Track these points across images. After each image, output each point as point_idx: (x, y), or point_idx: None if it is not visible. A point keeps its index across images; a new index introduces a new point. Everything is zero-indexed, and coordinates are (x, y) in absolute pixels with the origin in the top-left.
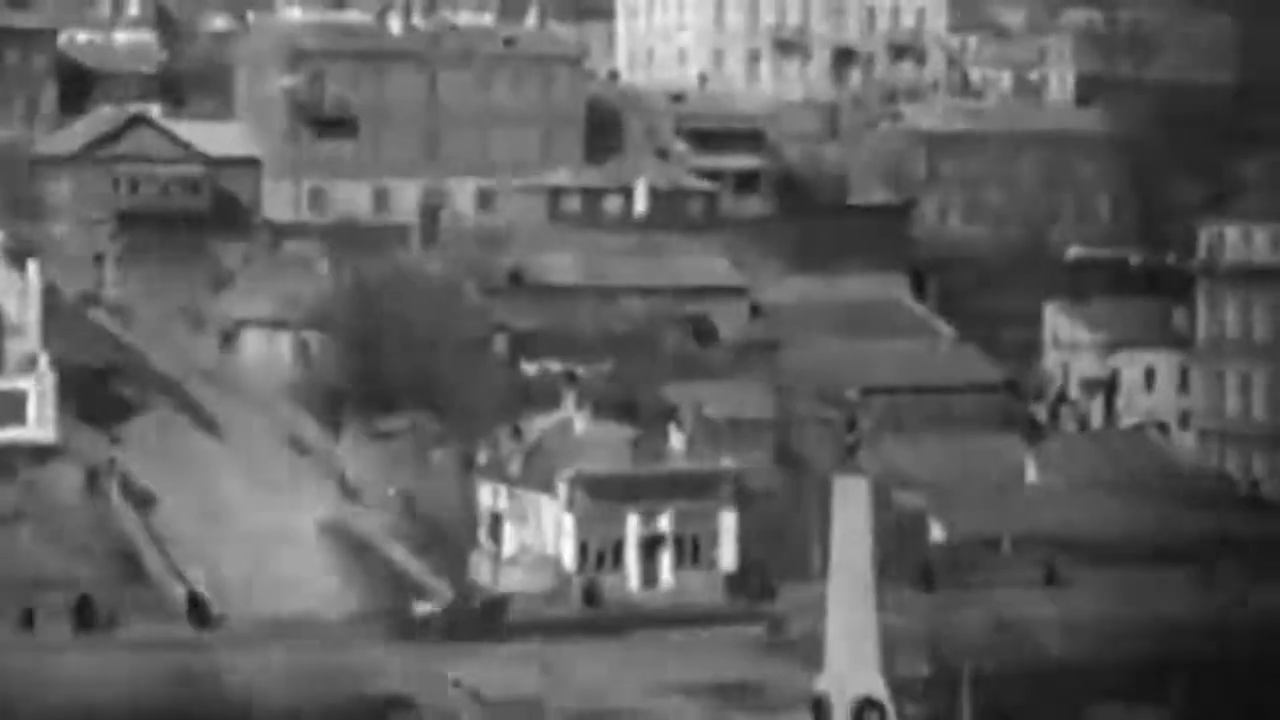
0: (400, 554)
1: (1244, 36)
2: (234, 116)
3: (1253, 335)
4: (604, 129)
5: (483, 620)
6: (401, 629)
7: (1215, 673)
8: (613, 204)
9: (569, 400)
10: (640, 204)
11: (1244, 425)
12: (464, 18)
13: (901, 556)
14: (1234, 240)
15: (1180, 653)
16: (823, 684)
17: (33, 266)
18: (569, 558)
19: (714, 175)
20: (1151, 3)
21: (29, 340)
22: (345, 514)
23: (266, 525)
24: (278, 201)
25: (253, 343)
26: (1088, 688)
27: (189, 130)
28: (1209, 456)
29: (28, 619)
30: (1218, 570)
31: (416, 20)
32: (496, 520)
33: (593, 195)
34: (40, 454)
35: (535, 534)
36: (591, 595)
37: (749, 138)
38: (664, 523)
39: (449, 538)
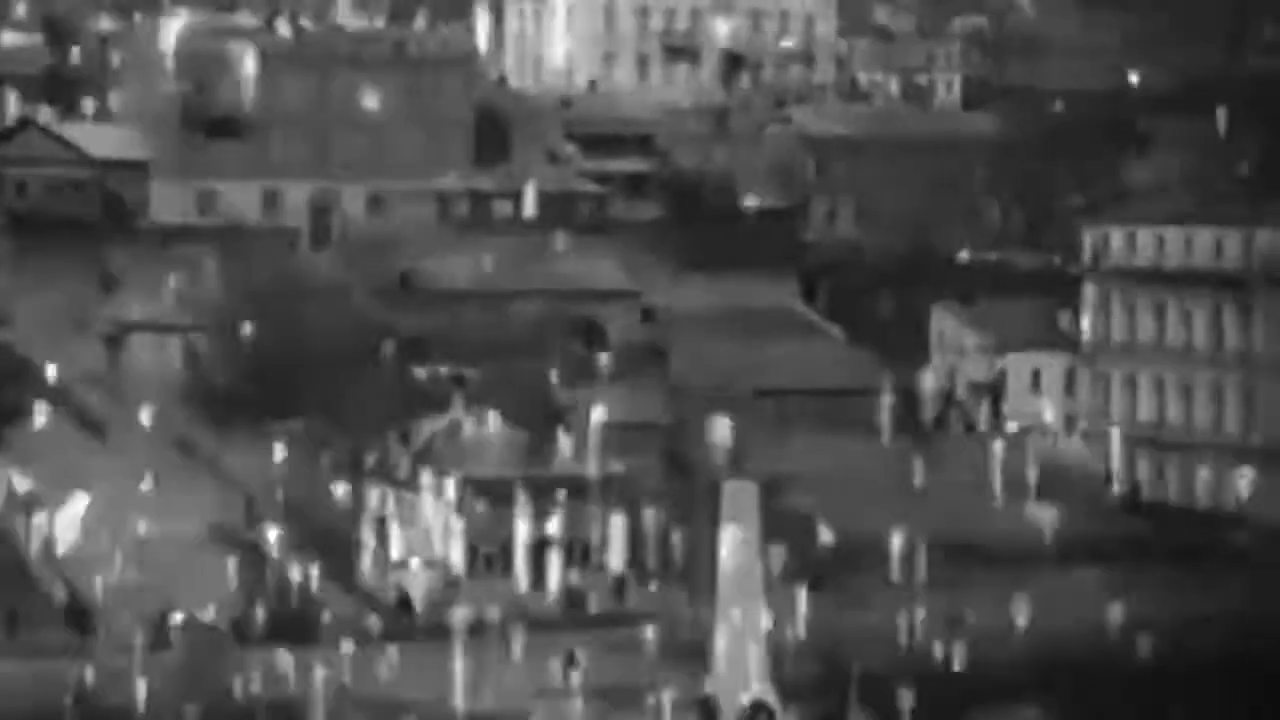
0: (287, 557)
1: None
2: (122, 119)
3: (1137, 337)
4: (493, 132)
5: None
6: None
7: (1100, 673)
8: (502, 207)
9: (458, 403)
10: (530, 207)
11: (1128, 427)
12: (353, 20)
13: (791, 559)
14: (1119, 243)
15: (1066, 655)
16: (711, 686)
17: None
18: (457, 561)
19: (603, 179)
20: (1039, 8)
21: None
22: (233, 518)
23: (154, 529)
24: (166, 204)
25: (140, 346)
26: (974, 689)
27: (77, 133)
28: (1094, 459)
29: None
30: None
31: (305, 23)
32: (384, 524)
33: (482, 199)
34: None
35: (424, 537)
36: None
37: (638, 141)
38: (553, 526)
39: (337, 541)
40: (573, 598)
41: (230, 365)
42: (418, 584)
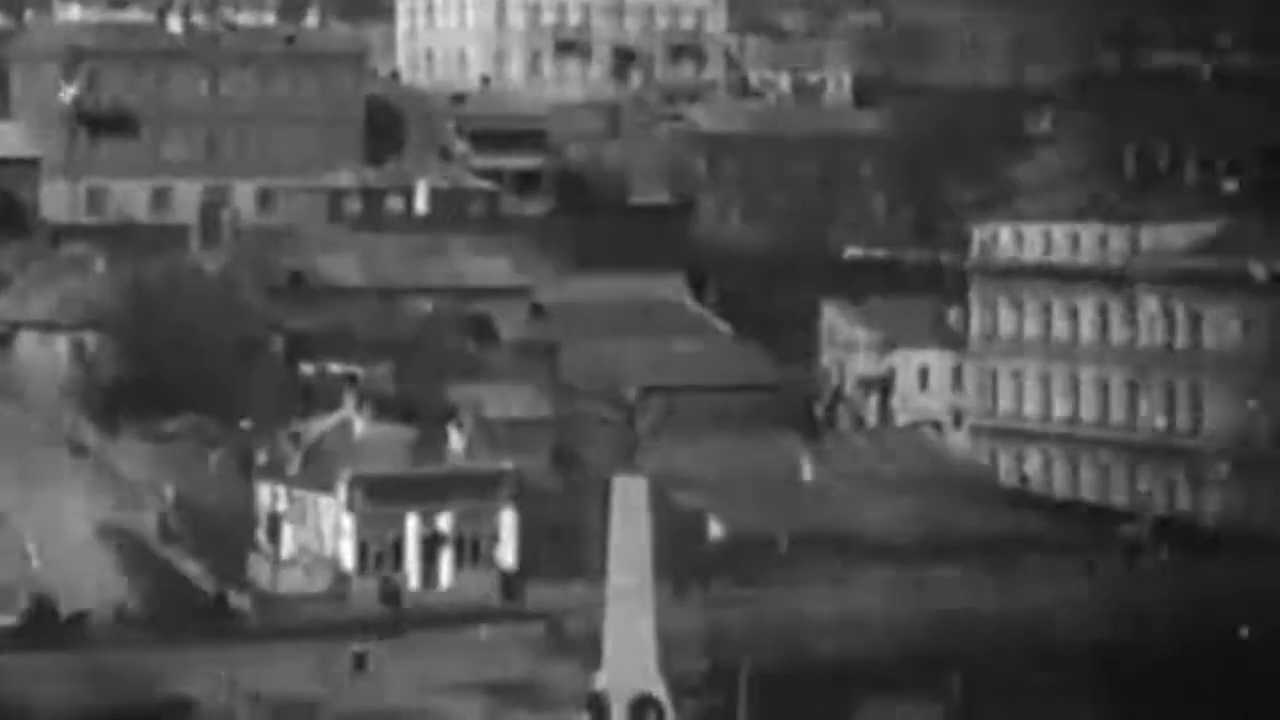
0: (178, 555)
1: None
2: (11, 116)
3: (1024, 334)
4: (385, 129)
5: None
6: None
7: (990, 666)
8: (393, 204)
9: (348, 401)
10: (421, 204)
11: (1016, 423)
12: (244, 17)
13: (680, 554)
14: (1006, 240)
15: (956, 647)
16: (601, 682)
17: None
18: (348, 558)
19: (495, 175)
20: (929, 6)
21: None
22: (123, 516)
23: (43, 527)
24: (56, 202)
25: (29, 345)
26: (865, 682)
27: None
28: (981, 454)
29: None
30: (993, 565)
31: (197, 19)
32: (275, 521)
33: (373, 195)
34: None
35: (314, 535)
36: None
37: (530, 138)
38: (444, 523)
39: (227, 539)
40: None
41: (120, 363)
42: (308, 581)
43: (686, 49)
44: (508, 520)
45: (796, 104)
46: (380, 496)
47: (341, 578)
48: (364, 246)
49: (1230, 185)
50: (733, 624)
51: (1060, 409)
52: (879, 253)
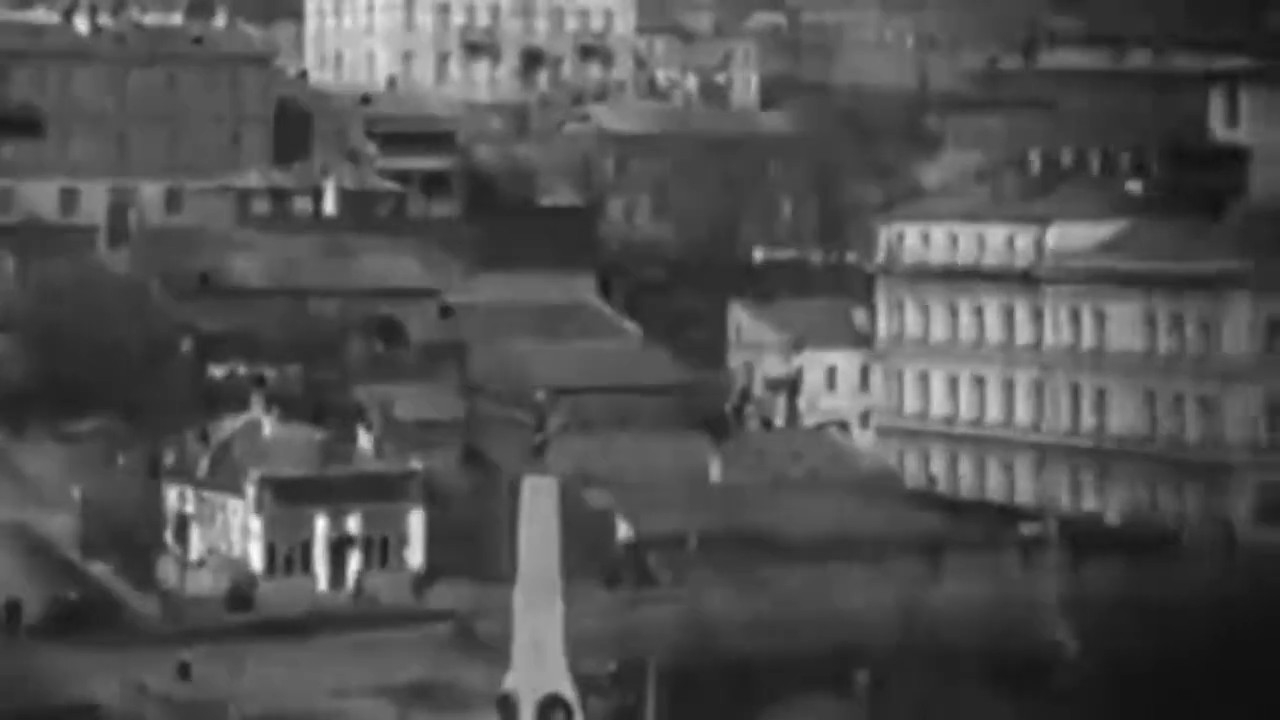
0: (85, 557)
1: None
2: None
3: (931, 334)
4: (293, 130)
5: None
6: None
7: (898, 662)
8: (302, 205)
9: (257, 402)
10: (329, 205)
11: (922, 423)
12: (152, 17)
13: (589, 555)
14: (913, 241)
15: (862, 645)
16: (510, 683)
17: None
18: (256, 560)
19: (403, 176)
20: (835, 6)
21: None
22: (28, 516)
23: None
24: None
25: None
26: (773, 681)
27: None
28: (888, 454)
29: None
30: (898, 564)
31: (104, 19)
32: (183, 523)
33: (281, 196)
34: None
35: (222, 536)
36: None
37: (438, 139)
38: (352, 524)
39: (135, 540)
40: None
41: (27, 364)
42: (216, 584)
43: (594, 50)
44: (416, 521)
45: (704, 104)
46: (289, 498)
47: (249, 579)
48: (272, 248)
49: (1135, 185)
50: (641, 623)
51: (966, 409)
52: (786, 253)
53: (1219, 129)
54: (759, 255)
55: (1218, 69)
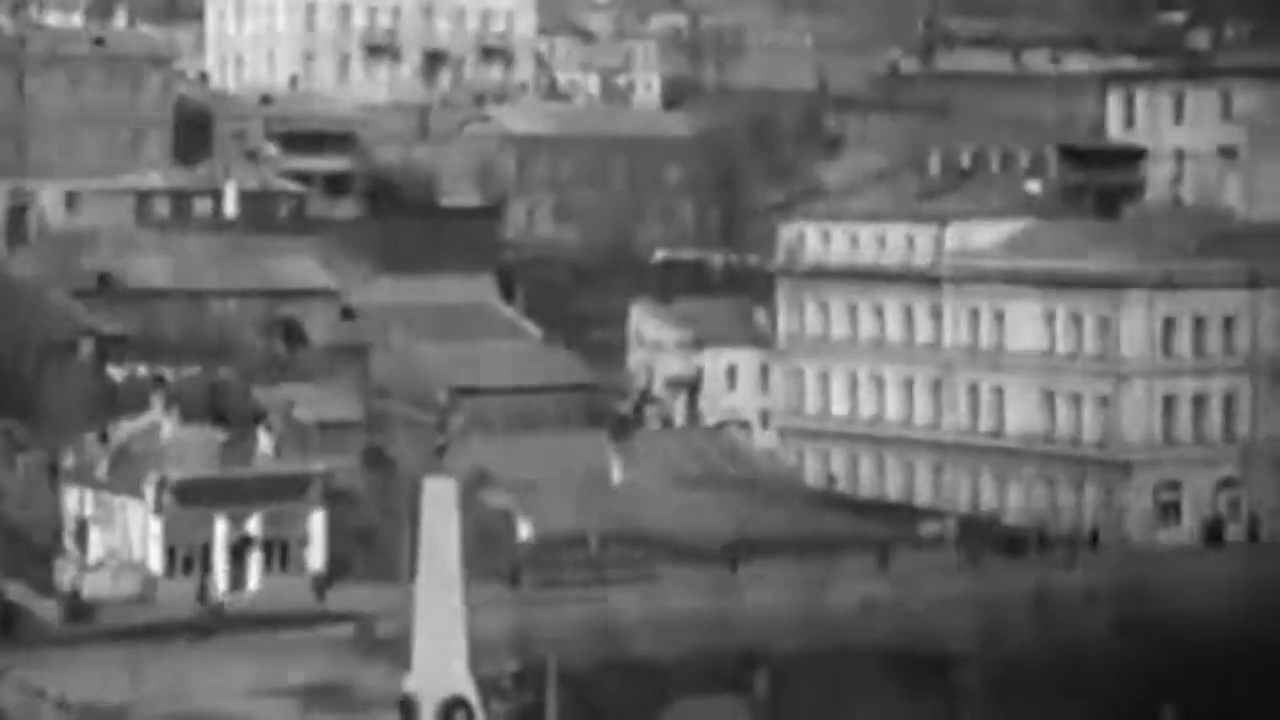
0: None
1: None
2: None
3: (831, 334)
4: (194, 131)
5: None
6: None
7: (797, 664)
8: (202, 206)
9: (157, 403)
10: (230, 206)
11: (822, 422)
12: (52, 18)
13: (490, 555)
14: (813, 240)
15: (762, 645)
16: (411, 684)
17: None
18: (156, 562)
19: (304, 177)
20: (736, 9)
21: None
22: None
23: None
24: None
25: None
26: (675, 681)
27: None
28: (788, 453)
29: None
30: (798, 564)
31: (2, 19)
32: (83, 525)
33: (182, 198)
34: None
35: (122, 539)
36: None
37: (339, 140)
38: (253, 526)
39: (34, 543)
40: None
41: None
42: (116, 586)
43: (496, 51)
44: (317, 522)
45: (605, 106)
46: (189, 499)
47: (150, 581)
48: (172, 249)
49: (1033, 186)
50: (542, 624)
51: (866, 408)
52: (687, 254)
53: (1116, 130)
54: (661, 255)
55: (1114, 70)
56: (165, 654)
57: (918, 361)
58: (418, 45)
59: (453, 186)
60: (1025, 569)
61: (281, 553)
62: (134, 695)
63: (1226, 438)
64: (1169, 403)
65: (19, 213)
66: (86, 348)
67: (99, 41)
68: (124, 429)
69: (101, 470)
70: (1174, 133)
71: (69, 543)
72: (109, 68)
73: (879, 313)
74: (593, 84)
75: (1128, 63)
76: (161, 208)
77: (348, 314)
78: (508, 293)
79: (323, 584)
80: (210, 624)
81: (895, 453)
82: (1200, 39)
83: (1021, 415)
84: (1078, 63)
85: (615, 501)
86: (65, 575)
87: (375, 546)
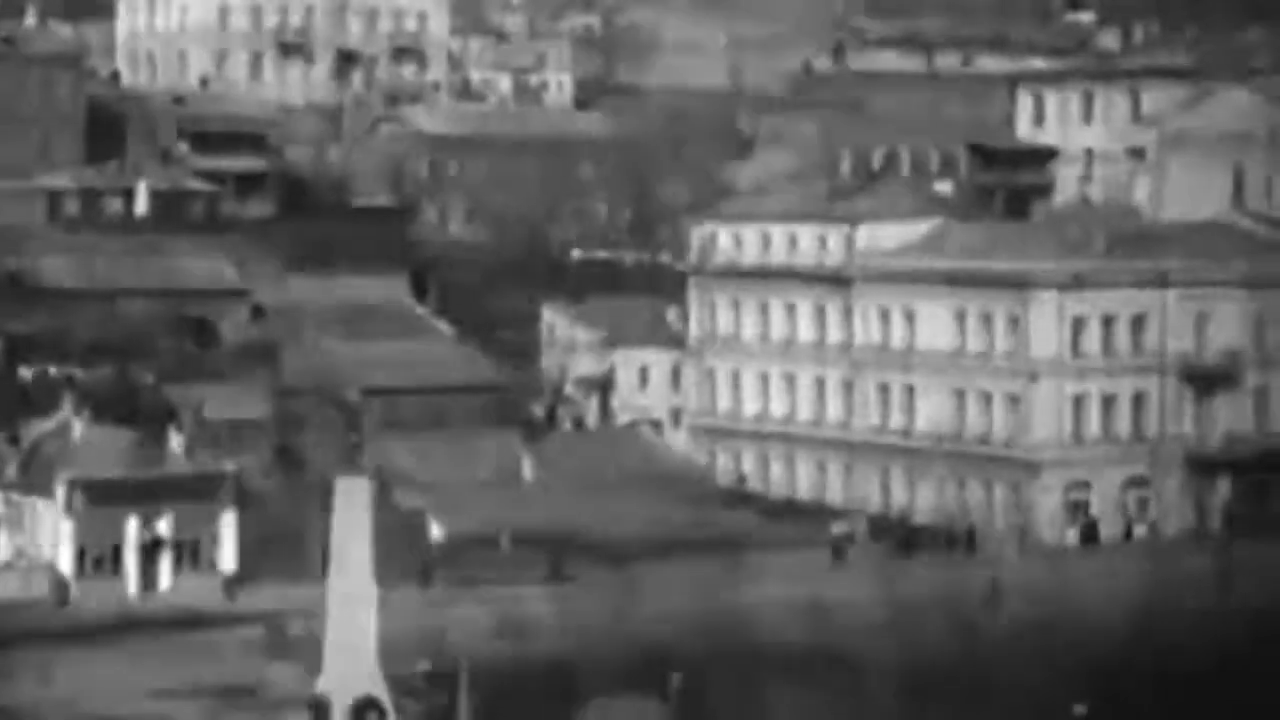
0: None
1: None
2: None
3: (742, 334)
4: (105, 130)
5: None
6: None
7: (711, 665)
8: (113, 206)
9: (67, 403)
10: (141, 206)
11: (733, 422)
12: None
13: (402, 555)
14: (725, 241)
15: (675, 645)
16: (322, 684)
17: None
18: (66, 563)
19: (216, 177)
20: (649, 8)
21: None
22: None
23: None
24: None
25: None
26: (588, 682)
27: None
28: (699, 453)
29: None
30: (710, 563)
31: None
32: None
33: (93, 197)
34: None
35: (32, 540)
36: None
37: (251, 139)
38: (164, 526)
39: None
40: None
41: None
42: (25, 587)
43: (409, 51)
44: (228, 522)
45: (518, 106)
46: (99, 499)
47: (60, 583)
48: (83, 248)
49: (944, 186)
50: (454, 624)
51: (778, 408)
52: (599, 253)
53: (1025, 130)
54: (573, 256)
55: (1024, 71)
56: (75, 656)
57: (829, 361)
58: (330, 45)
59: (365, 186)
60: (933, 567)
61: (193, 553)
62: (43, 697)
63: (1135, 437)
64: (1078, 402)
65: None
66: None
67: (8, 40)
68: (34, 429)
69: (11, 470)
70: (1083, 133)
71: None
72: (19, 67)
73: (790, 312)
74: (505, 84)
75: (1037, 63)
76: (72, 207)
77: (259, 313)
78: (420, 292)
79: (234, 584)
80: (121, 625)
81: (806, 452)
82: (1109, 40)
83: (932, 414)
84: (988, 63)
85: (527, 501)
86: None
87: (286, 546)
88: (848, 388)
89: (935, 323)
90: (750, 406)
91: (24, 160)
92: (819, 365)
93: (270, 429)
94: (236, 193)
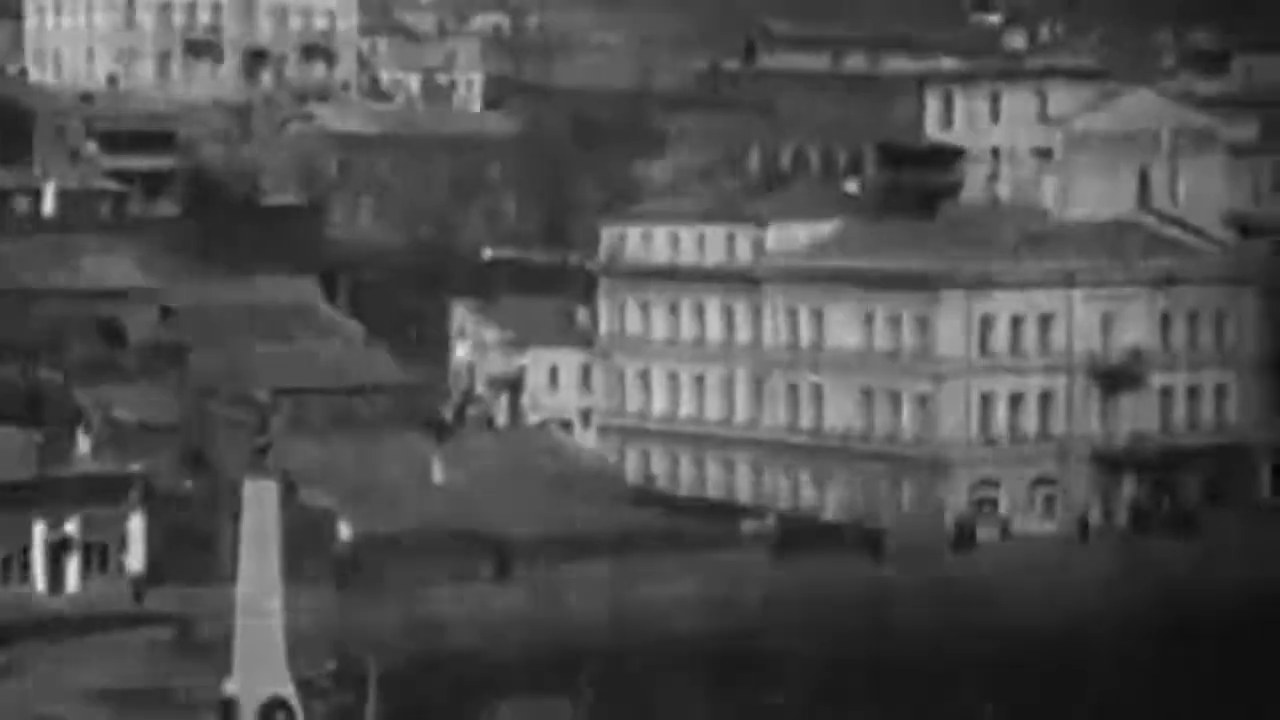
0: None
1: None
2: None
3: (652, 333)
4: (12, 129)
5: None
6: None
7: (621, 664)
8: (20, 205)
9: None
10: (49, 205)
11: (643, 421)
12: None
13: (311, 556)
14: (634, 241)
15: (584, 645)
16: (231, 686)
17: None
18: None
19: (125, 176)
20: (558, 8)
21: None
22: None
23: None
24: None
25: None
26: (495, 681)
27: None
28: (609, 452)
29: None
30: (619, 563)
31: None
32: None
33: (0, 196)
34: None
35: None
36: None
37: (160, 138)
38: (71, 527)
39: None
40: None
41: None
42: None
43: (318, 49)
44: (136, 524)
45: (427, 105)
46: (6, 501)
47: None
48: None
49: (852, 185)
50: (363, 624)
51: (687, 407)
52: (509, 253)
53: (933, 130)
54: (483, 255)
55: (932, 71)
56: None
57: (738, 361)
58: (239, 43)
59: (274, 185)
60: (842, 566)
61: (101, 555)
62: None
63: (1042, 436)
64: (986, 401)
65: None
66: None
67: None
68: None
69: None
70: (990, 133)
71: None
72: None
73: (699, 312)
74: (414, 83)
75: (945, 64)
76: None
77: (168, 314)
78: (330, 292)
79: (142, 586)
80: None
81: (715, 451)
82: (1016, 40)
83: (840, 414)
84: (896, 63)
85: (436, 501)
86: None
87: (195, 548)
88: (757, 387)
89: (844, 322)
90: (659, 406)
91: None
92: (728, 365)
93: (179, 430)
94: (145, 192)
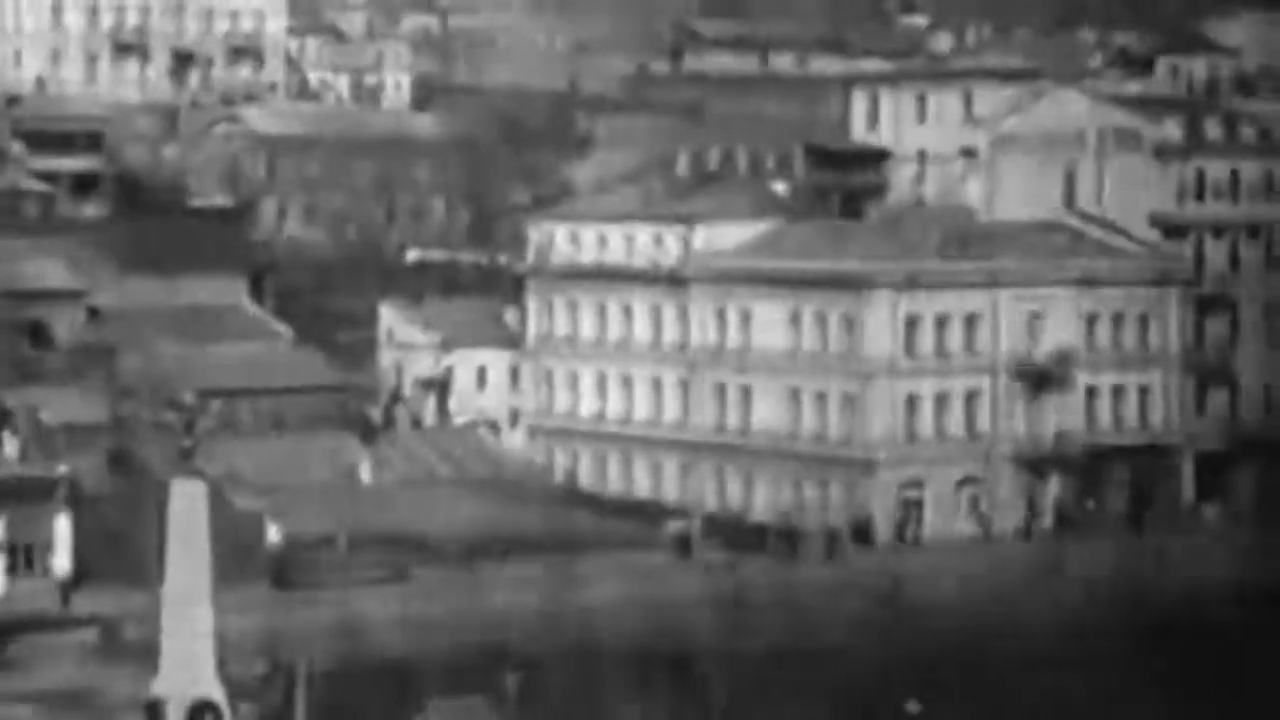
0: None
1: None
2: None
3: (580, 334)
4: None
5: None
6: None
7: (548, 665)
8: None
9: None
10: None
11: (571, 422)
12: None
13: (239, 558)
14: (562, 241)
15: (512, 645)
16: (158, 687)
17: None
18: None
19: (51, 177)
20: (486, 10)
21: None
22: None
23: None
24: None
25: None
26: (426, 682)
27: None
28: (537, 453)
29: None
30: (546, 563)
31: None
32: None
33: None
34: None
35: None
36: None
37: (87, 139)
38: None
39: None
40: None
41: None
42: None
43: (245, 51)
44: (62, 525)
45: (355, 106)
46: None
47: None
48: None
49: (780, 186)
50: (291, 626)
51: (614, 408)
52: (437, 254)
53: (860, 131)
54: (411, 256)
55: (859, 73)
56: None
57: (665, 361)
58: (166, 44)
59: (201, 187)
60: (771, 567)
61: (26, 556)
62: None
63: (968, 436)
64: (912, 402)
65: None
66: None
67: None
68: None
69: None
70: (916, 134)
71: None
72: None
73: (627, 313)
74: (343, 84)
75: (872, 65)
76: None
77: (95, 315)
78: (257, 294)
79: (68, 588)
80: None
81: (643, 452)
82: (942, 42)
83: (767, 414)
84: (823, 65)
85: (364, 502)
86: None
87: (122, 549)
88: (684, 388)
89: (771, 323)
90: (587, 407)
91: None
92: (656, 365)
93: (106, 432)
94: (72, 193)
